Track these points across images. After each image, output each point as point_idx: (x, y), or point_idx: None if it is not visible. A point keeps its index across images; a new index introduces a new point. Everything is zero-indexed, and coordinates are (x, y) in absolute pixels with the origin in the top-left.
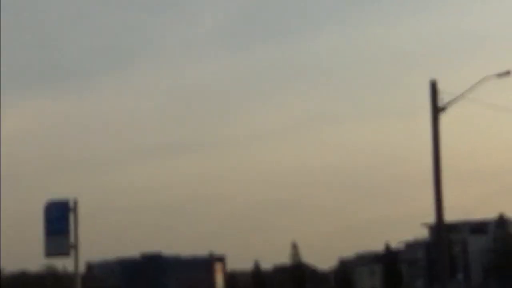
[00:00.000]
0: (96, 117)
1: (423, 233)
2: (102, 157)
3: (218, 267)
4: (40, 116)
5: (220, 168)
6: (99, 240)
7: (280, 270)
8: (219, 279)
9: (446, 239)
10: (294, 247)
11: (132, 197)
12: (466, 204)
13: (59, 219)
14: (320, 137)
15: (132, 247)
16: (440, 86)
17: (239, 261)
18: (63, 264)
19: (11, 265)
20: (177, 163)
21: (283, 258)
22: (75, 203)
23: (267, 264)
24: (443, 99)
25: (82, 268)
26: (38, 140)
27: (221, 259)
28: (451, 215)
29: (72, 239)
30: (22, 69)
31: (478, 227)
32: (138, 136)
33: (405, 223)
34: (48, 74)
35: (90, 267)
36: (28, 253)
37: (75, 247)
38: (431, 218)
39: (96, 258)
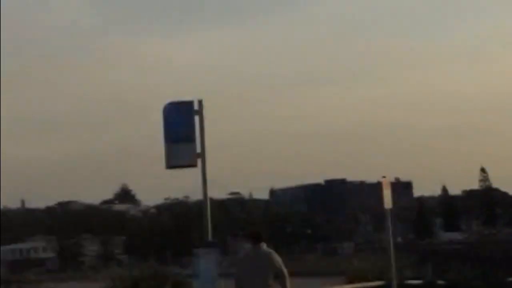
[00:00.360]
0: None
1: None
2: (277, 84)
3: (385, 183)
4: (217, 45)
5: (404, 94)
6: (283, 167)
7: (469, 195)
8: (387, 196)
9: None
10: (483, 171)
11: (317, 124)
12: None
13: (181, 123)
14: (503, 60)
15: (316, 174)
16: None
17: (427, 186)
18: (249, 191)
19: (196, 194)
20: (361, 90)
21: (472, 183)
22: (201, 103)
23: (455, 190)
24: None
25: (265, 195)
26: (214, 68)
27: (407, 184)
28: None
29: (198, 147)
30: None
31: None
32: (314, 65)
33: None
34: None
35: (273, 193)
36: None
37: (202, 156)
38: None
39: (279, 184)
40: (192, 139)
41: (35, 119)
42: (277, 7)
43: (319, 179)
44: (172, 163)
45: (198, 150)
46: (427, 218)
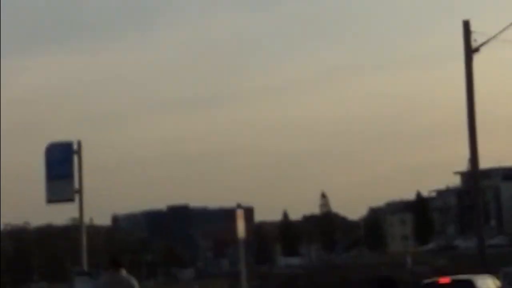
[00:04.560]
0: (116, 73)
1: (454, 181)
2: (126, 111)
3: (239, 214)
4: (59, 72)
5: (247, 119)
6: (125, 194)
7: (309, 220)
8: (240, 226)
9: (480, 186)
10: (323, 197)
11: (157, 150)
12: (499, 151)
13: (61, 162)
14: (349, 87)
15: (159, 200)
16: (474, 28)
17: (268, 212)
18: (90, 217)
19: (38, 219)
20: (204, 115)
21: (312, 208)
22: (79, 145)
23: (296, 215)
24: (476, 40)
25: (108, 221)
26: (58, 94)
27: (249, 210)
28: (484, 162)
29: (76, 183)
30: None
31: (510, 174)
32: (166, 90)
33: (436, 171)
34: (65, 30)
35: (116, 219)
36: (55, 208)
37: (80, 192)
38: (462, 166)
39: (122, 211)
40: (70, 176)
41: None
42: (130, 30)
43: (162, 205)
44: (52, 198)
45: (76, 186)
46: (267, 244)
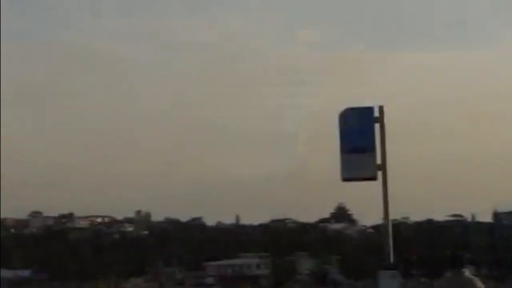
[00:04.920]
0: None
1: None
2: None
3: None
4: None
5: None
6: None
7: None
8: None
9: None
10: None
11: None
12: None
13: (360, 131)
14: None
15: None
16: None
17: None
18: (472, 212)
19: (418, 215)
20: None
21: None
22: (382, 110)
23: None
24: None
25: (488, 217)
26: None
27: None
28: None
29: (378, 157)
30: None
31: None
32: None
33: None
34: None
35: (497, 216)
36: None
37: (383, 168)
38: None
39: (504, 207)
40: (372, 149)
41: (243, 137)
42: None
43: None
44: (349, 175)
45: (378, 161)
46: None
